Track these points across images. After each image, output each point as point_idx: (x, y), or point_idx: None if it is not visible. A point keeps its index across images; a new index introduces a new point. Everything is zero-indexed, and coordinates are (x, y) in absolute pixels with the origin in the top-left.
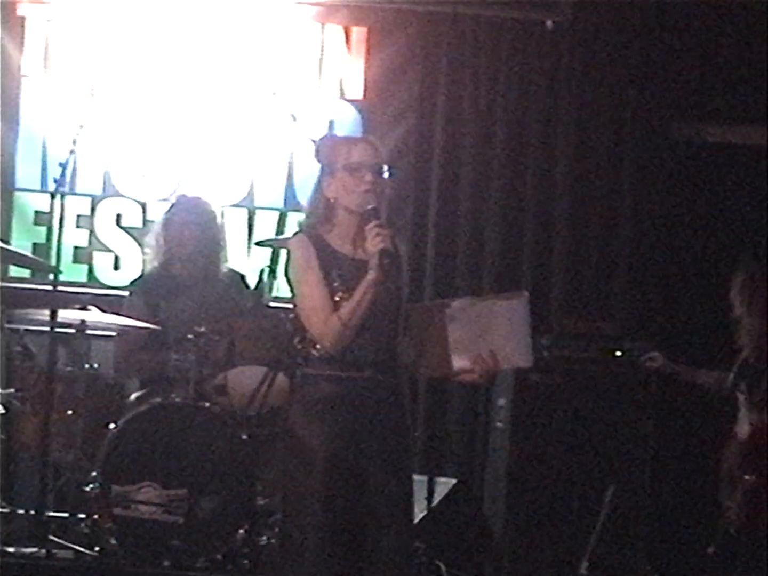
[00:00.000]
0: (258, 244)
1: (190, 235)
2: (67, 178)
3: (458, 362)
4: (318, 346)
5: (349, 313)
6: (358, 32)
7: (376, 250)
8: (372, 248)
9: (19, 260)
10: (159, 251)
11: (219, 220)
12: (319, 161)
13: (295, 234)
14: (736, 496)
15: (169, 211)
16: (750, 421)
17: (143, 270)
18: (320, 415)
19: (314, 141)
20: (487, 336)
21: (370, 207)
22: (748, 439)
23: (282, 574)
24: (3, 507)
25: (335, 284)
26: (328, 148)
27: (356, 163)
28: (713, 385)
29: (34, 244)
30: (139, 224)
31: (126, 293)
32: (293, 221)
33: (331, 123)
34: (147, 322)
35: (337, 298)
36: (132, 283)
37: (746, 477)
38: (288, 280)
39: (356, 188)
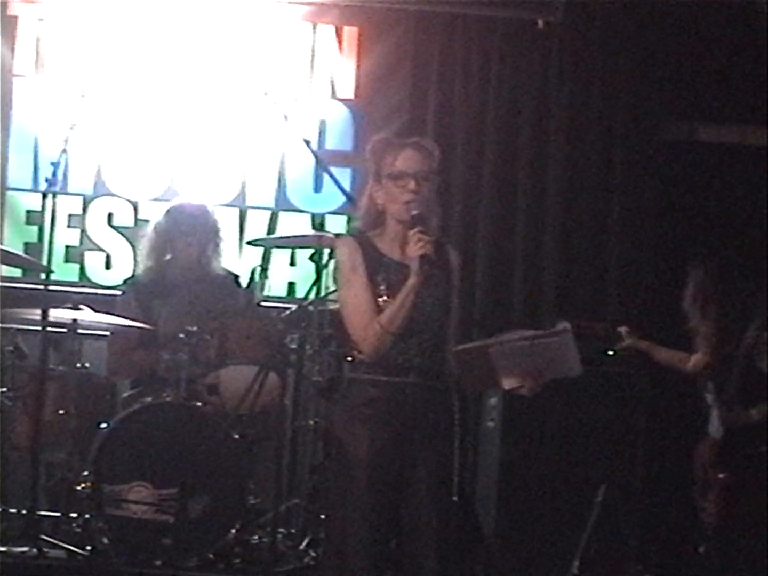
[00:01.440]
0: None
1: (183, 246)
2: (59, 178)
3: (508, 383)
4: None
5: (389, 319)
6: (350, 32)
7: (416, 256)
8: (413, 254)
9: (11, 260)
10: (151, 256)
11: (214, 223)
12: (370, 164)
13: (343, 235)
14: (711, 495)
15: (161, 221)
16: (721, 420)
17: (136, 270)
18: (364, 418)
19: (369, 141)
20: (534, 359)
21: (414, 213)
22: (720, 437)
23: (323, 571)
24: None
25: (380, 288)
26: (378, 153)
27: (399, 172)
28: (679, 365)
29: (26, 244)
30: (131, 224)
31: (118, 292)
32: (285, 221)
33: (323, 122)
34: (139, 321)
35: (381, 302)
36: (124, 282)
37: (720, 475)
38: (335, 282)
39: (399, 197)
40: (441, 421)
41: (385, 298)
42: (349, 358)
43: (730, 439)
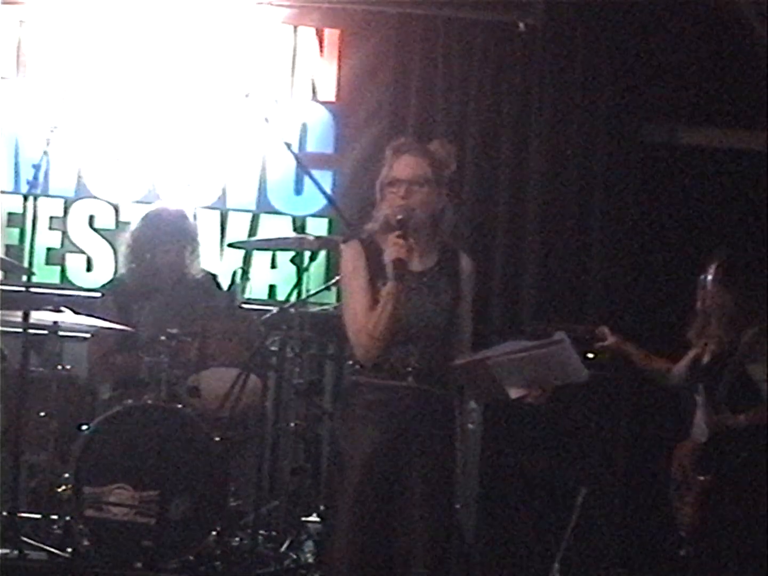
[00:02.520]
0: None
1: (161, 251)
2: (40, 180)
3: (514, 393)
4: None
5: (373, 324)
6: (331, 34)
7: (390, 261)
8: (388, 258)
9: None
10: (130, 260)
11: (191, 228)
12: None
13: (348, 239)
14: (689, 497)
15: (138, 226)
16: (707, 423)
17: (116, 272)
18: (362, 421)
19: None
20: (534, 369)
21: (399, 218)
22: (704, 441)
23: (321, 571)
24: None
25: (382, 292)
26: (388, 159)
27: (393, 179)
28: (660, 373)
29: (7, 246)
30: (112, 226)
31: (98, 295)
32: (266, 223)
33: (304, 125)
34: (119, 324)
35: None
36: (104, 285)
37: (700, 478)
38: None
39: (393, 203)
40: (440, 427)
41: None
42: (351, 362)
43: (713, 442)
